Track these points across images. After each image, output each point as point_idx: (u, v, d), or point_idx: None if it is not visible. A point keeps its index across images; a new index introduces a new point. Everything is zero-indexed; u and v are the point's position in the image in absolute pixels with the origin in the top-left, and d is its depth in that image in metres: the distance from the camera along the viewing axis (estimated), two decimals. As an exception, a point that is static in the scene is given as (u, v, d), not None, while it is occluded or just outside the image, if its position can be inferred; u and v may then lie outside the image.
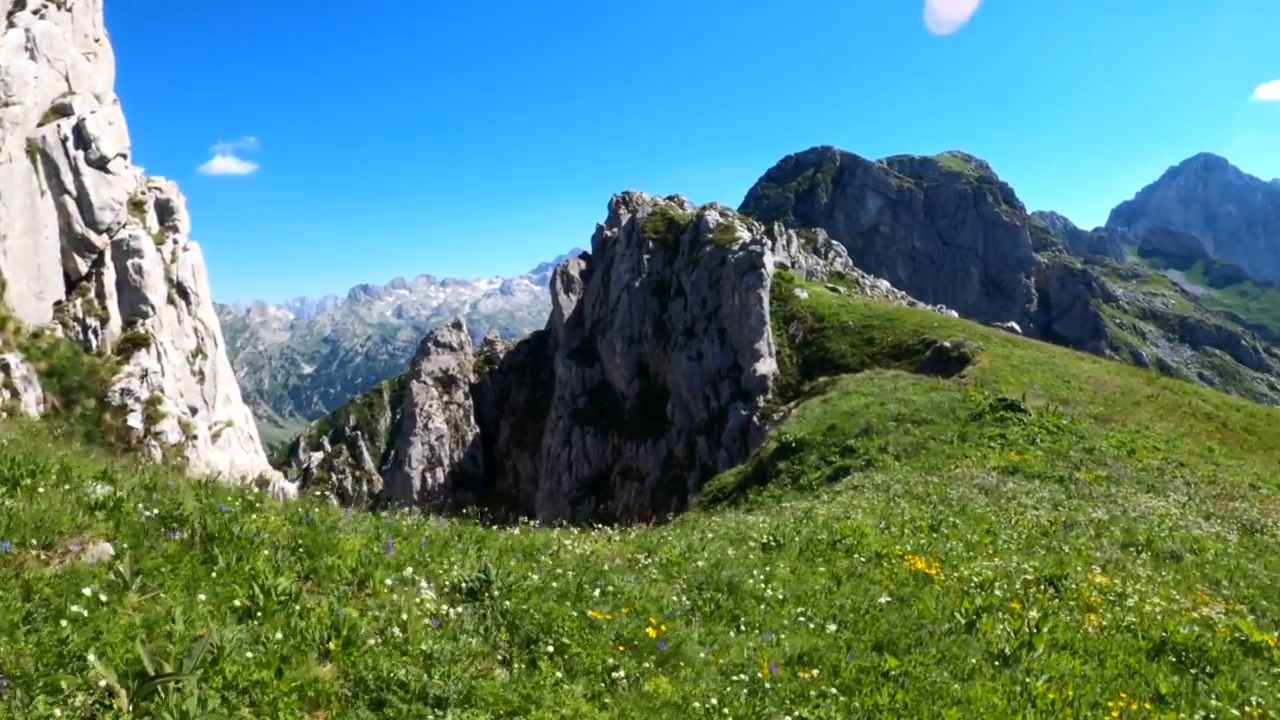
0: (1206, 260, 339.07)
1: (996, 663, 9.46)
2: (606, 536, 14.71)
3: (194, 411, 49.47)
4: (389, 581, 8.50)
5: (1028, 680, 8.85)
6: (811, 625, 10.17)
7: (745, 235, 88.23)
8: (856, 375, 50.99)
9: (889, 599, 11.43)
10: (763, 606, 10.74)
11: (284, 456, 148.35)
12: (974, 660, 9.29)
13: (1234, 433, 47.94)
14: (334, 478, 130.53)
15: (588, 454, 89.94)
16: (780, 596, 11.23)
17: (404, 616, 7.81)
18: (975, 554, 15.13)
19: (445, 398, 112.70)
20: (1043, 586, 12.96)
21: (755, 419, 70.94)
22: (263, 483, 53.82)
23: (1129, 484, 24.21)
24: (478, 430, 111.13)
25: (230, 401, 56.26)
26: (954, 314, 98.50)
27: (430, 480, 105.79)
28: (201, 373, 52.37)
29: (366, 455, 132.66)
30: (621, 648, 8.28)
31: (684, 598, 10.77)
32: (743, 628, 10.02)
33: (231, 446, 52.79)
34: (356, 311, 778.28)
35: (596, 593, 9.62)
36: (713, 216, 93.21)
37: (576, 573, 10.64)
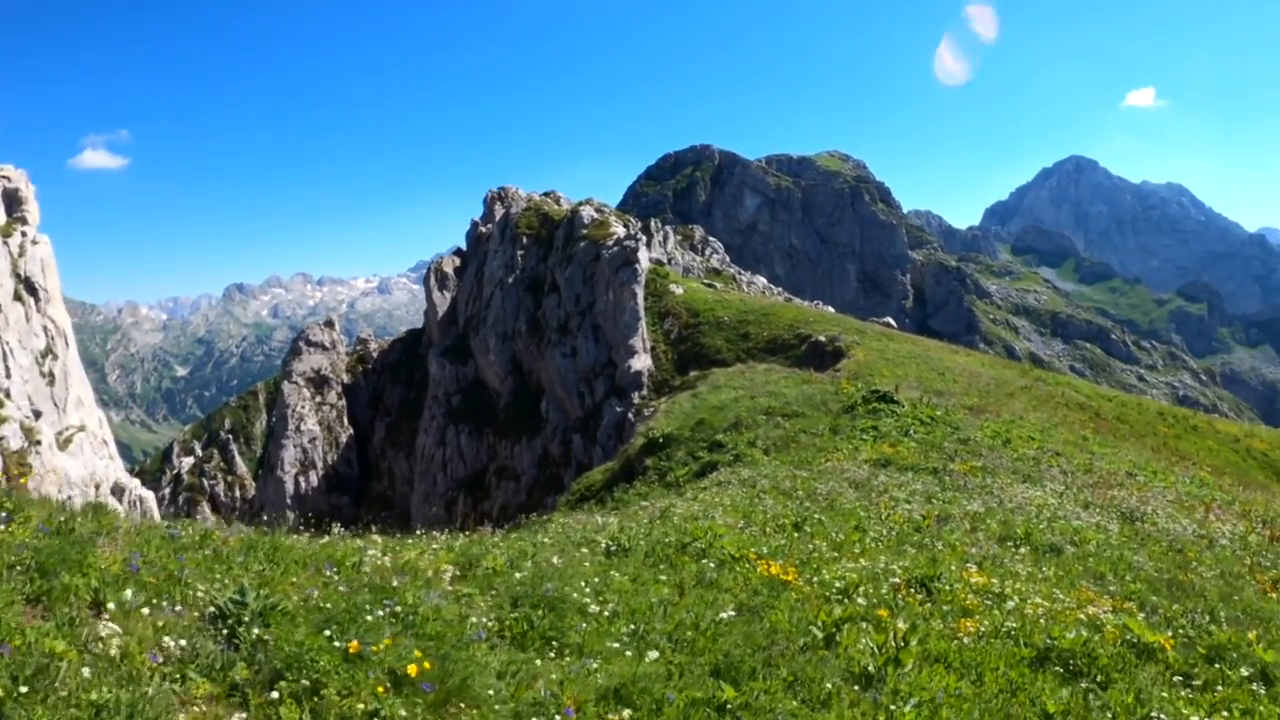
0: (1077, 258, 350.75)
1: (858, 685, 8.04)
2: (425, 545, 12.97)
3: (38, 415, 45.87)
4: (130, 605, 6.75)
5: (894, 706, 7.44)
6: (641, 647, 8.63)
7: (620, 231, 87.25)
8: (728, 369, 50.03)
9: (737, 611, 9.97)
10: (585, 625, 9.16)
11: (157, 463, 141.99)
12: (831, 683, 7.85)
13: (1106, 422, 48.56)
14: (205, 484, 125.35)
15: (463, 453, 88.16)
16: (610, 612, 9.70)
17: (114, 651, 6.07)
18: (841, 554, 13.87)
19: (318, 399, 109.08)
20: (914, 589, 11.69)
21: (630, 416, 69.86)
22: (118, 491, 50.49)
23: (1005, 474, 23.43)
24: (351, 432, 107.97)
25: (83, 405, 52.52)
26: (830, 310, 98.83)
27: (304, 484, 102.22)
28: (51, 374, 48.68)
29: (239, 460, 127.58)
30: (390, 687, 6.59)
31: (493, 617, 9.15)
32: (557, 653, 8.43)
33: (84, 452, 49.19)
34: (231, 311, 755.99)
35: (379, 614, 7.92)
36: (587, 212, 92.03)
37: (364, 591, 8.91)
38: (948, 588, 11.69)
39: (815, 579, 11.84)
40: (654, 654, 8.47)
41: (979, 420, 33.02)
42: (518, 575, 10.78)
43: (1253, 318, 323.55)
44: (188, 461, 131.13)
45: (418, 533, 14.55)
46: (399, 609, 8.44)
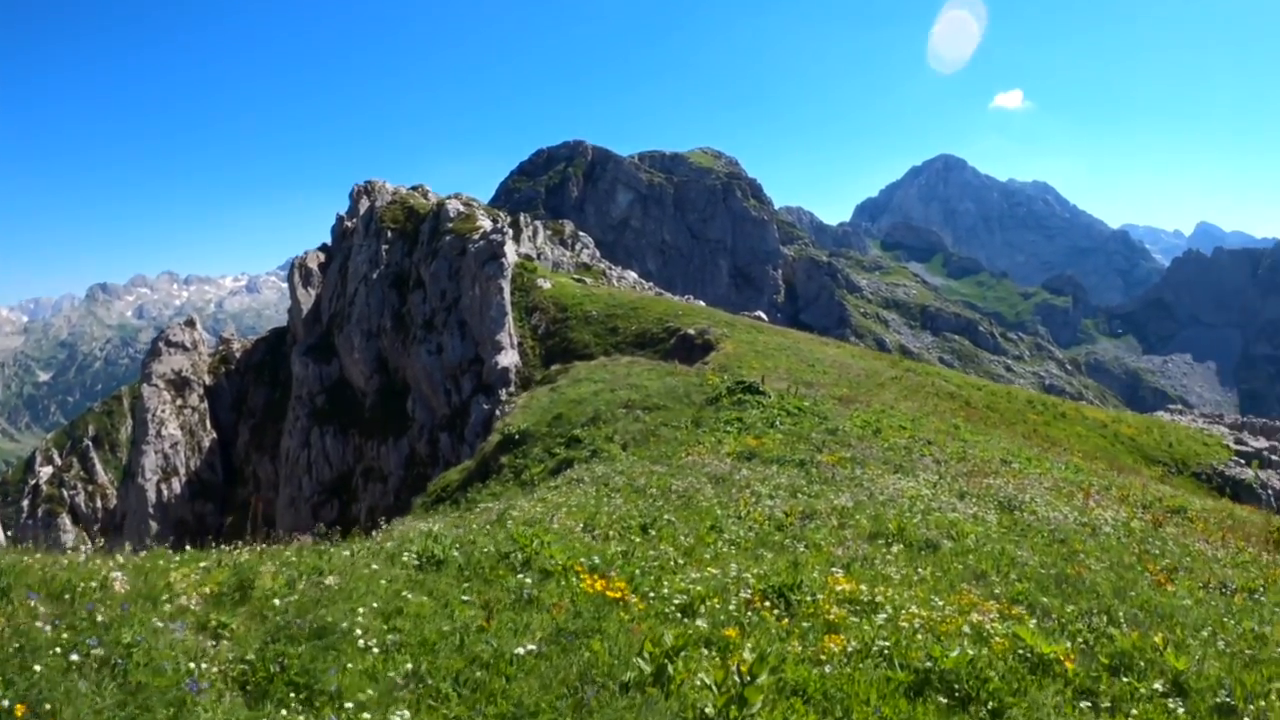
0: (946, 253, 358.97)
1: (688, 736, 6.25)
2: (190, 564, 10.78)
3: None
4: None
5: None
6: (418, 692, 6.73)
7: (487, 225, 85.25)
8: (590, 363, 48.39)
9: (550, 639, 8.11)
10: (353, 665, 7.21)
11: (19, 474, 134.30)
12: (651, 737, 6.04)
13: (977, 410, 48.58)
14: (65, 495, 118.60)
15: (328, 455, 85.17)
16: (390, 645, 7.77)
17: None
18: (690, 560, 12.17)
19: (179, 401, 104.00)
20: (770, 601, 10.00)
21: (498, 412, 68.05)
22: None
23: (875, 465, 22.12)
24: (215, 436, 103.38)
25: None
26: (701, 304, 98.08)
27: (166, 492, 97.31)
28: None
29: (100, 468, 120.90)
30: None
31: (236, 657, 7.17)
32: (305, 705, 6.48)
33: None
34: (95, 313, 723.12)
35: (75, 658, 5.92)
36: (454, 206, 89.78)
37: (70, 628, 6.86)
38: (810, 598, 10.04)
39: (654, 593, 10.08)
40: (431, 703, 6.58)
41: (849, 410, 31.90)
42: (281, 601, 8.78)
43: (1116, 310, 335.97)
44: (46, 471, 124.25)
45: (273, 540, 12.37)
46: (102, 651, 6.43)
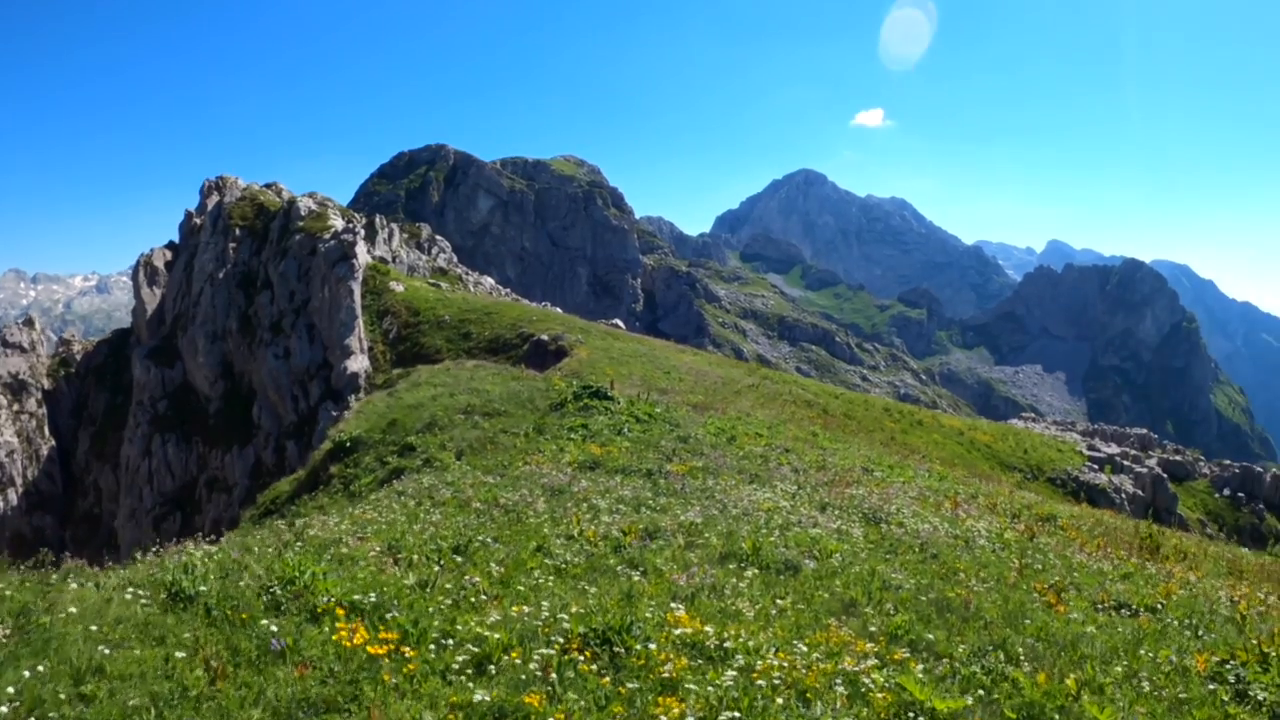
0: (804, 265, 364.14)
1: None
2: None
3: None
4: None
5: None
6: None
7: (339, 224, 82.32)
8: (433, 366, 45.96)
9: (280, 716, 5.88)
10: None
11: None
12: None
13: (835, 418, 47.95)
14: None
15: (170, 465, 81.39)
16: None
17: None
18: (504, 592, 9.98)
19: (16, 406, 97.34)
20: (592, 650, 7.87)
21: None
22: None
23: (729, 475, 20.26)
24: (54, 443, 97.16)
25: None
26: (558, 310, 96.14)
27: (2, 504, 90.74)
28: None
29: None
30: None
31: None
32: None
33: None
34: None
35: None
36: (305, 203, 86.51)
37: None
38: (642, 645, 7.92)
39: (444, 641, 7.85)
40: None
41: (703, 417, 30.11)
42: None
43: (969, 322, 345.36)
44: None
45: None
46: None
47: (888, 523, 16.57)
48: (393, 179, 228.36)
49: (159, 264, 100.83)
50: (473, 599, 9.56)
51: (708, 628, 8.45)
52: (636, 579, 10.62)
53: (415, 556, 12.16)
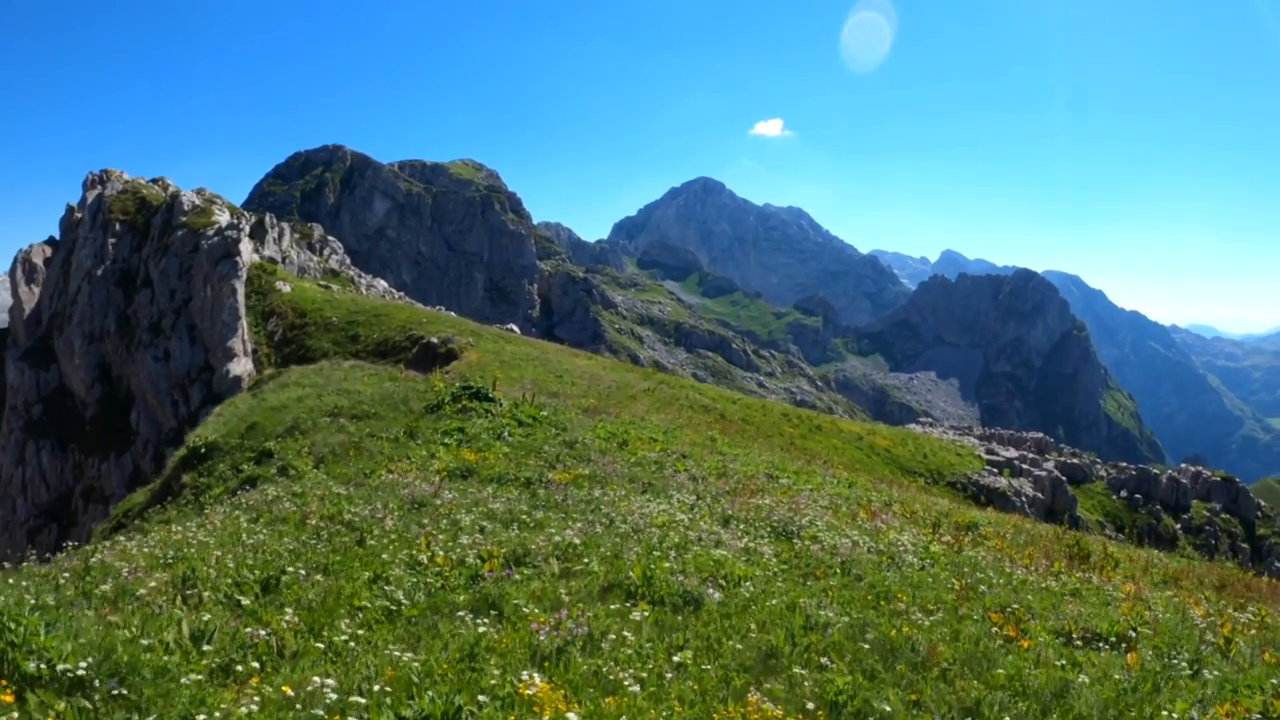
0: (702, 273, 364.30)
1: None
2: None
3: None
4: None
5: None
6: None
7: (223, 219, 78.54)
8: (308, 366, 42.94)
9: None
10: None
11: None
12: None
13: (733, 423, 46.48)
14: None
15: (44, 474, 77.23)
16: None
17: None
18: (301, 650, 7.36)
19: None
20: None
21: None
22: None
23: (620, 484, 17.82)
24: None
25: None
26: (453, 314, 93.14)
27: None
28: None
29: None
30: None
31: None
32: None
33: None
34: None
35: None
36: (189, 198, 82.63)
37: None
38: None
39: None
40: None
41: (593, 421, 27.66)
42: None
43: (864, 330, 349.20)
44: None
45: None
46: None
47: (801, 537, 14.29)
48: (288, 180, 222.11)
49: (38, 260, 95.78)
50: (252, 662, 6.93)
51: (572, 714, 5.89)
52: (486, 628, 8.05)
53: (209, 593, 9.49)
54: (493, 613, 8.65)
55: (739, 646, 7.83)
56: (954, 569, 13.57)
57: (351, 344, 68.25)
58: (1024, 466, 66.28)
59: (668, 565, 10.50)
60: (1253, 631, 11.70)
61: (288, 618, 8.49)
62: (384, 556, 10.98)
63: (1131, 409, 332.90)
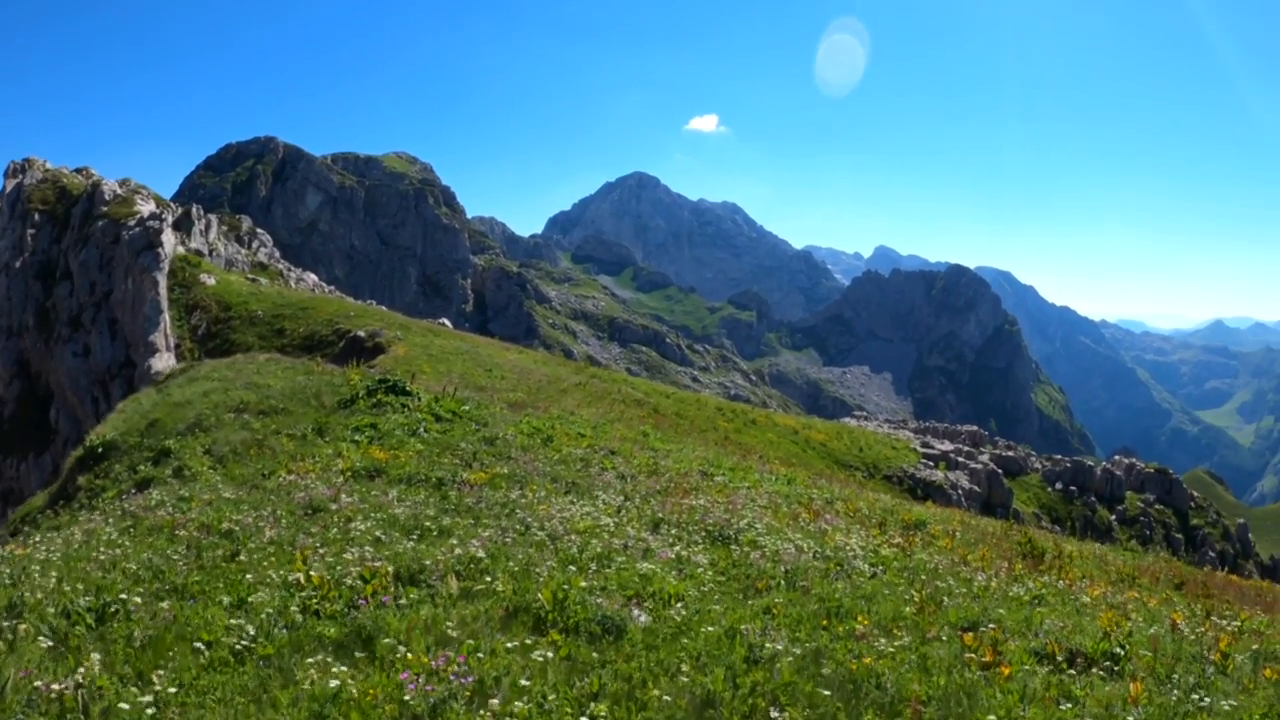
0: (636, 268, 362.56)
1: None
2: None
3: None
4: None
5: None
6: None
7: (145, 209, 75.61)
8: (220, 360, 40.84)
9: None
10: None
11: None
12: None
13: (667, 418, 45.27)
14: None
15: None
16: None
17: None
18: (114, 704, 5.77)
19: None
20: None
21: (133, 421, 59.15)
22: None
23: (541, 483, 16.24)
24: None
25: None
26: (383, 308, 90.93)
27: None
28: None
29: None
30: None
31: None
32: None
33: None
34: None
35: None
36: (110, 187, 79.92)
37: None
38: None
39: None
40: None
41: (518, 416, 26.02)
42: None
43: (798, 324, 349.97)
44: None
45: None
46: None
47: (739, 543, 12.84)
48: (219, 172, 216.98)
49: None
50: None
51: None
52: (348, 675, 6.42)
53: (30, 626, 7.79)
54: (363, 652, 7.05)
55: (667, 695, 6.29)
56: (909, 576, 12.21)
57: (277, 338, 66.26)
58: (960, 459, 65.77)
59: (584, 584, 8.90)
60: (1242, 641, 10.50)
61: (113, 659, 6.85)
62: (248, 577, 9.30)
63: (1062, 402, 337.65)
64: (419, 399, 25.17)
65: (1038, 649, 8.71)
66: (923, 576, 12.10)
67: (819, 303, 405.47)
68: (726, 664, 6.92)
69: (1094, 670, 8.20)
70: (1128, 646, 8.96)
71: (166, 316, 68.98)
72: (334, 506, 13.73)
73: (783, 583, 10.54)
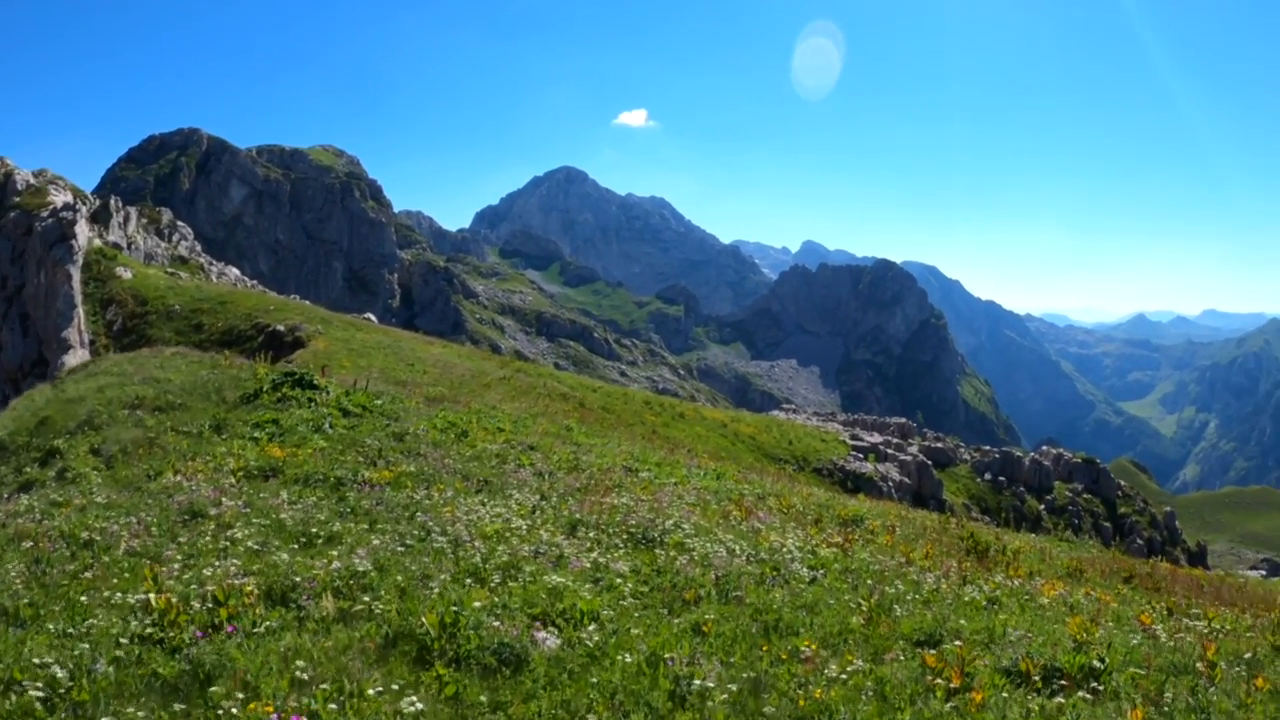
0: (564, 262, 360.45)
1: None
2: None
3: None
4: None
5: None
6: None
7: (59, 200, 72.84)
8: (121, 355, 38.92)
9: None
10: None
11: None
12: None
13: (593, 411, 44.29)
14: None
15: None
16: None
17: None
18: None
19: None
20: None
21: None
22: None
23: (451, 482, 14.85)
24: None
25: None
26: (306, 303, 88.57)
27: None
28: None
29: None
30: None
31: None
32: None
33: None
34: None
35: None
36: (23, 177, 77.20)
37: None
38: None
39: None
40: None
41: (434, 411, 24.54)
42: None
43: (726, 319, 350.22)
44: None
45: None
46: None
47: (665, 545, 11.58)
48: (142, 164, 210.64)
49: None
50: None
51: None
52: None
53: None
54: (199, 698, 5.65)
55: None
56: (851, 580, 11.05)
57: (195, 333, 64.32)
58: (889, 451, 65.32)
59: (480, 604, 7.55)
60: (1222, 645, 9.46)
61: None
62: (82, 599, 7.82)
63: (988, 394, 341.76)
64: (328, 393, 23.60)
65: (1009, 667, 7.55)
66: (868, 580, 10.94)
67: (747, 297, 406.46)
68: (647, 703, 5.65)
69: (1077, 692, 7.05)
70: (1106, 659, 7.84)
71: (81, 311, 66.65)
72: (214, 511, 12.22)
73: (713, 592, 9.30)
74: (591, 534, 11.68)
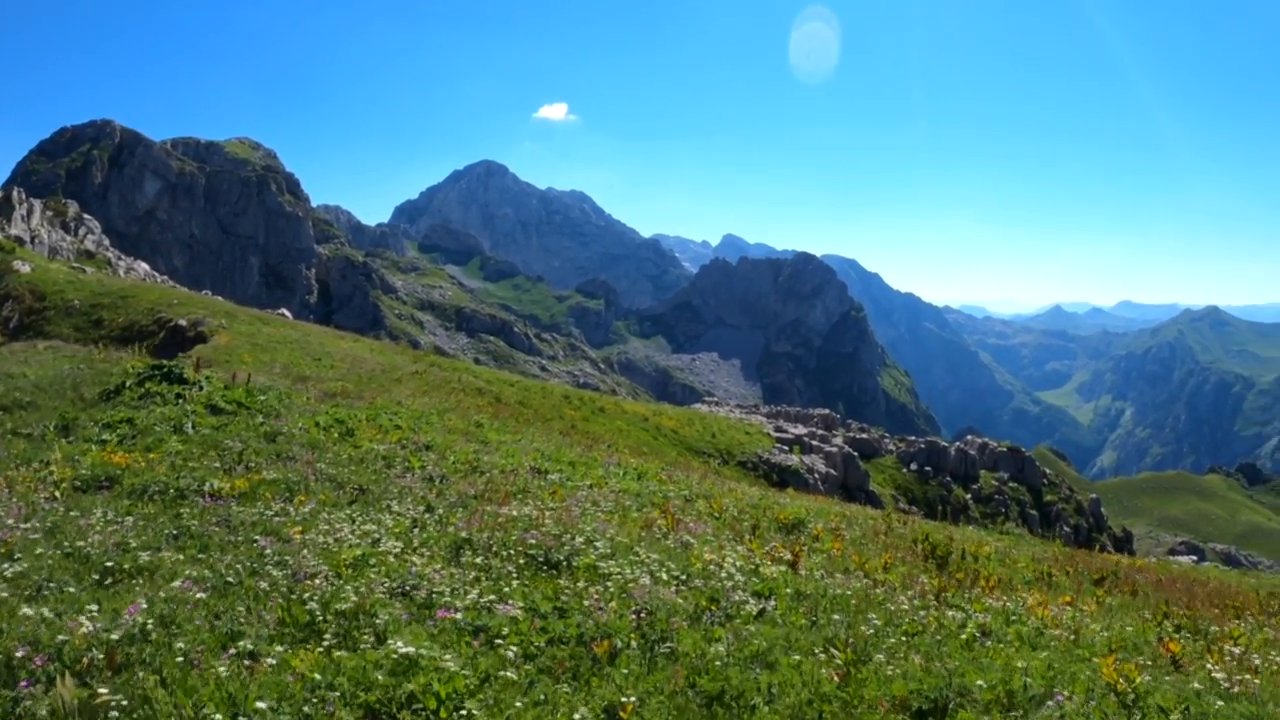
0: (484, 257, 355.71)
1: None
2: None
3: None
4: None
5: None
6: None
7: None
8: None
9: None
10: None
11: None
12: None
13: (509, 406, 41.78)
14: None
15: None
16: None
17: None
18: None
19: None
20: None
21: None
22: None
23: (319, 491, 12.23)
24: None
25: None
26: (219, 299, 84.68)
27: None
28: None
29: None
30: None
31: None
32: None
33: None
34: None
35: None
36: None
37: None
38: None
39: None
40: None
41: (324, 407, 21.83)
42: None
43: (646, 312, 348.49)
44: None
45: None
46: None
47: (572, 571, 9.15)
48: (54, 157, 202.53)
49: None
50: None
51: None
52: None
53: None
54: None
55: None
56: (808, 610, 8.71)
57: (95, 329, 60.99)
58: (814, 443, 63.65)
59: (265, 705, 5.02)
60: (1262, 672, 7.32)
61: None
62: None
63: (908, 385, 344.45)
64: (200, 388, 20.74)
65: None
66: (834, 615, 8.59)
67: (667, 290, 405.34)
68: None
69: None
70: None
71: (-26, 308, 63.05)
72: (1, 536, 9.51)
73: (634, 642, 6.90)
74: (479, 558, 9.15)
